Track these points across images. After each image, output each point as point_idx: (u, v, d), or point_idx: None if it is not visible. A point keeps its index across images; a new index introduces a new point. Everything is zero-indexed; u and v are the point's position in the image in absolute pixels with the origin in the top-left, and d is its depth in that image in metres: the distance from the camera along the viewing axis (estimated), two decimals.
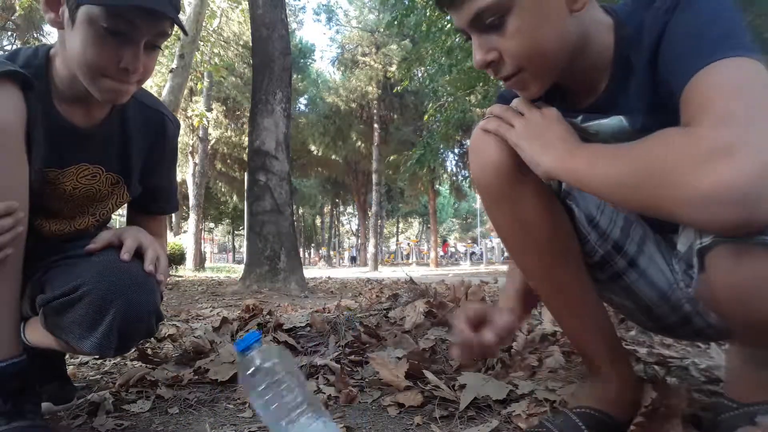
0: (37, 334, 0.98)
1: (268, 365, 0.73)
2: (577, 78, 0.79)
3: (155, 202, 1.17)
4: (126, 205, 1.15)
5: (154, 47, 0.89)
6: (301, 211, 33.34)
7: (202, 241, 20.58)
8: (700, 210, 0.52)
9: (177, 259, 12.00)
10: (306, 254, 40.62)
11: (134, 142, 1.05)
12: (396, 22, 9.90)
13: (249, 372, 0.73)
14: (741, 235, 0.57)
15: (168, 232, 1.21)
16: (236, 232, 36.47)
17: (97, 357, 1.50)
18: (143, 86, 1.01)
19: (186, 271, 12.16)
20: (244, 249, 7.24)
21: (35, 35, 12.47)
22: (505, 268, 1.03)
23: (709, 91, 0.58)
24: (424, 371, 1.17)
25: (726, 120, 0.54)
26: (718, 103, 0.56)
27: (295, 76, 17.66)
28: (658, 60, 0.68)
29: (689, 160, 0.53)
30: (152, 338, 1.85)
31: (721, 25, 0.62)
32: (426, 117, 11.71)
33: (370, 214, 22.68)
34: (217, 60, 12.34)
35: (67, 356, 1.30)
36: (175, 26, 0.88)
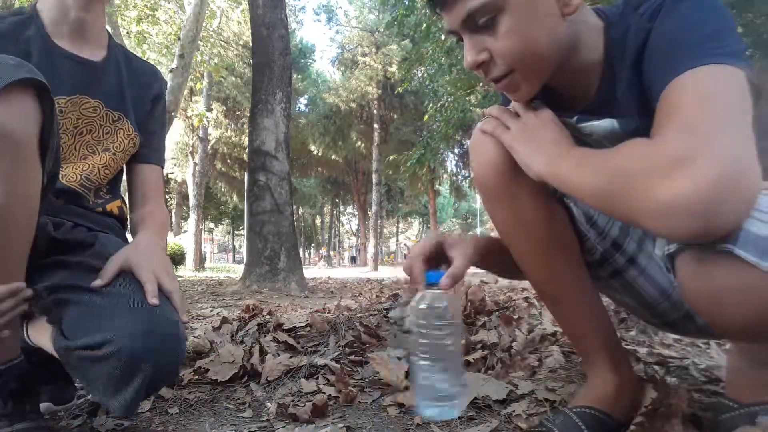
0: (40, 338, 0.96)
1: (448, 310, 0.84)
2: (568, 81, 0.78)
3: (150, 149, 1.18)
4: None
5: None
6: (301, 211, 33.35)
7: (202, 241, 20.58)
8: (660, 220, 0.53)
9: (177, 259, 12.01)
10: (306, 254, 40.62)
11: (129, 85, 1.13)
12: (396, 22, 9.90)
13: (435, 308, 0.83)
14: (702, 244, 0.57)
15: (168, 232, 1.23)
16: (236, 232, 36.49)
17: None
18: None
19: (186, 271, 12.16)
20: (244, 249, 7.24)
21: None
22: None
23: (676, 100, 0.58)
24: None
25: (687, 130, 0.54)
26: (683, 113, 0.56)
27: (295, 76, 17.67)
28: (642, 67, 0.68)
29: (650, 171, 0.54)
30: None
31: (701, 30, 0.61)
32: (426, 117, 11.71)
33: (370, 214, 22.68)
34: (217, 60, 12.34)
35: None
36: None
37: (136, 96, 1.15)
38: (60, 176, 0.98)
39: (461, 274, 0.84)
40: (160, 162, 1.21)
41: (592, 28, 0.74)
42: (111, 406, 0.82)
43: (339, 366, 1.28)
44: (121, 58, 1.13)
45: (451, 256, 0.86)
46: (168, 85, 7.26)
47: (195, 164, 15.52)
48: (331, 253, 40.09)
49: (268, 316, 1.89)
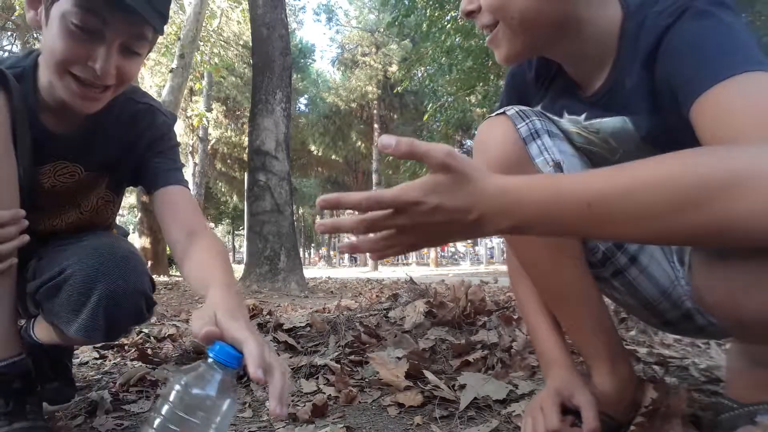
0: (44, 330, 0.98)
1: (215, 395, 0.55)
2: (572, 63, 0.79)
3: (166, 173, 1.02)
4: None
5: (133, 52, 0.84)
6: (301, 211, 33.33)
7: None
8: None
9: None
10: (306, 254, 40.62)
11: (119, 141, 1.01)
12: (396, 23, 9.91)
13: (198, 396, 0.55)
14: None
15: (230, 264, 1.03)
16: (236, 232, 36.48)
17: (96, 345, 1.47)
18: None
19: None
20: (244, 249, 7.25)
21: (35, 35, 12.51)
22: (505, 268, 1.01)
23: (753, 107, 0.54)
24: (424, 371, 1.17)
25: None
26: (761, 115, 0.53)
27: (295, 76, 17.66)
28: (656, 63, 0.67)
29: (753, 173, 0.47)
30: (152, 338, 1.86)
31: (735, 38, 0.61)
32: (426, 117, 11.71)
33: None
34: (217, 60, 12.34)
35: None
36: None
37: (128, 149, 1.03)
38: (37, 224, 0.99)
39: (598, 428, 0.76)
40: (181, 182, 1.02)
41: (608, 14, 0.74)
42: (71, 331, 0.85)
43: (339, 366, 1.28)
44: (114, 112, 0.98)
45: (576, 405, 0.80)
46: (168, 85, 7.29)
47: (195, 164, 15.51)
48: (331, 253, 40.06)
49: (268, 316, 1.89)
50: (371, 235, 0.57)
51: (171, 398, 0.55)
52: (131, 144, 1.03)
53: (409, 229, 0.56)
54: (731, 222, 0.48)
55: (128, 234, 1.28)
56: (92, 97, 0.85)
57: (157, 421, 0.54)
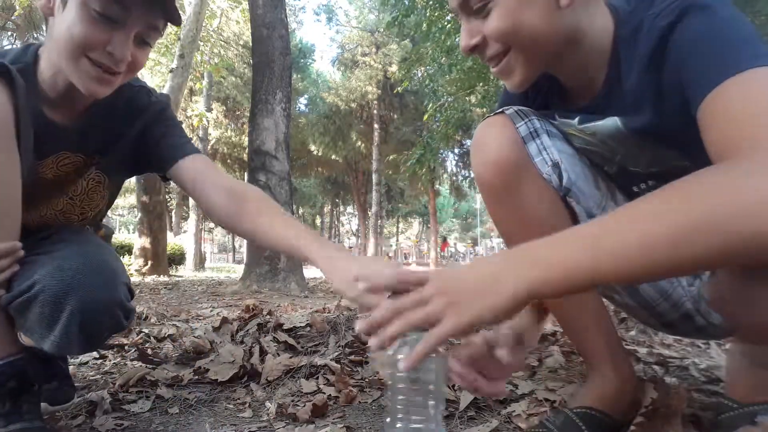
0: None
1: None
2: (572, 74, 0.79)
3: (177, 144, 1.04)
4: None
5: (145, 42, 0.88)
6: (301, 211, 33.33)
7: (202, 241, 20.57)
8: None
9: (177, 259, 12.00)
10: None
11: (117, 123, 1.03)
12: (396, 22, 9.90)
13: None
14: None
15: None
16: None
17: (72, 356, 1.43)
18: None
19: (186, 271, 12.15)
20: (244, 249, 7.25)
21: (35, 35, 12.50)
22: None
23: (759, 106, 0.54)
24: None
25: None
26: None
27: (295, 76, 17.66)
28: (665, 64, 0.67)
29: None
30: (152, 338, 1.85)
31: (740, 33, 0.61)
32: (426, 117, 11.70)
33: (370, 214, 22.68)
34: (217, 60, 12.34)
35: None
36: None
37: (128, 133, 1.06)
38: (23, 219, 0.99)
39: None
40: (196, 151, 1.05)
41: (600, 22, 0.74)
42: (44, 347, 0.84)
43: (339, 366, 1.28)
44: (112, 98, 0.97)
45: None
46: (168, 85, 7.29)
47: None
48: None
49: (268, 316, 1.88)
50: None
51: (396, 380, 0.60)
52: (128, 122, 1.05)
53: (436, 298, 0.56)
54: (747, 243, 0.47)
55: (113, 232, 1.26)
56: (106, 81, 0.87)
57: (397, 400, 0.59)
